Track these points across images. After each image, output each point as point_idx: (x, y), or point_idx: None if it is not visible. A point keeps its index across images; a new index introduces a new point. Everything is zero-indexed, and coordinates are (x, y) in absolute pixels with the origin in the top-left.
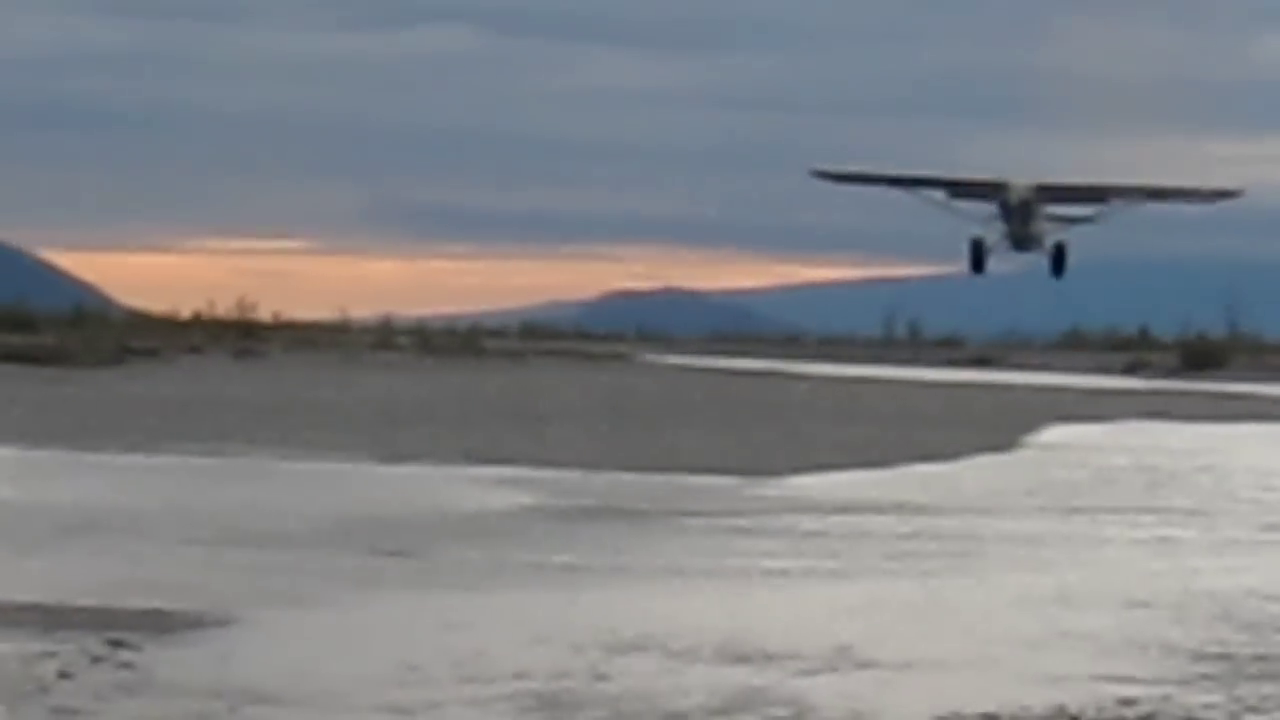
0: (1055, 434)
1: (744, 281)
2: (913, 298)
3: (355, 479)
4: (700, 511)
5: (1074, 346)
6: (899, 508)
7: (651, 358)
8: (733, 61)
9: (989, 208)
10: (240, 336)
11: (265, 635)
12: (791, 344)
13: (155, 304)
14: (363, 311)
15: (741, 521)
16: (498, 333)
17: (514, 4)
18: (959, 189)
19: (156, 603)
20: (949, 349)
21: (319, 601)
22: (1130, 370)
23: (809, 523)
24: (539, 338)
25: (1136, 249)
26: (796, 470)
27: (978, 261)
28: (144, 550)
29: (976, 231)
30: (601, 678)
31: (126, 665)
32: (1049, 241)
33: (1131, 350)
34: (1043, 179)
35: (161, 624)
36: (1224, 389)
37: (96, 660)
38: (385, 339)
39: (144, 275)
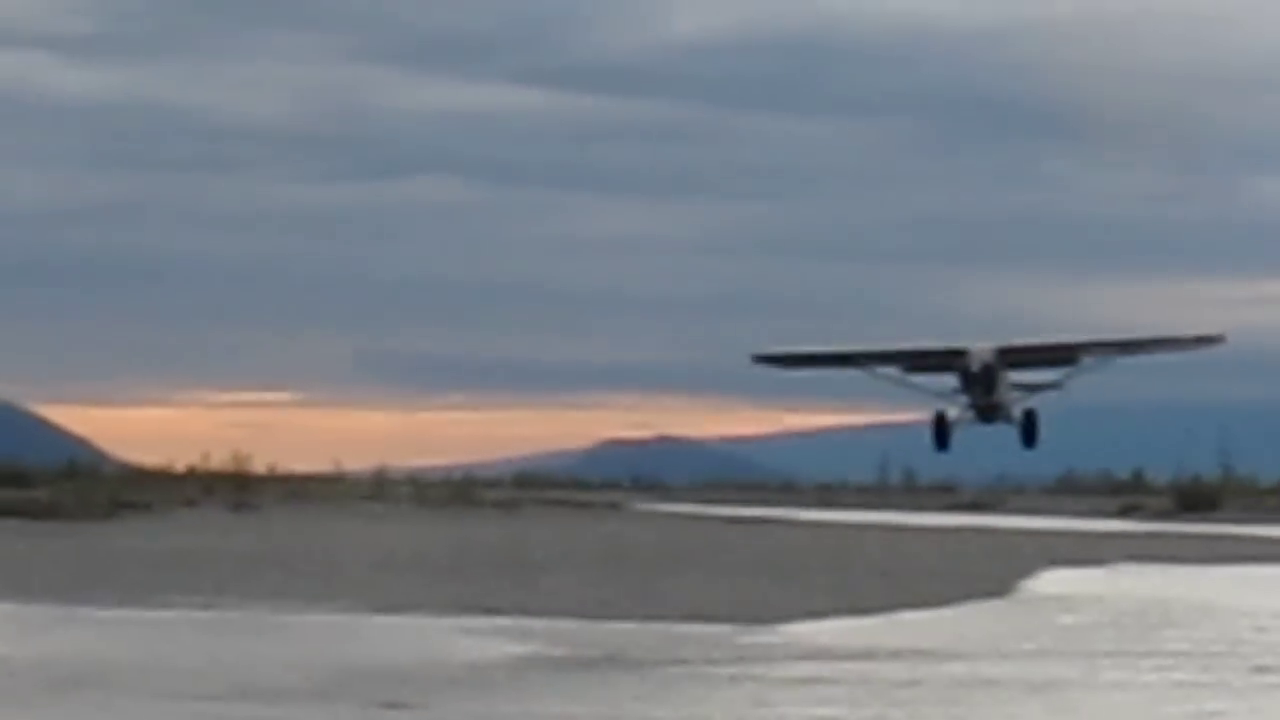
0: (1051, 578)
1: (738, 428)
2: (907, 443)
3: (350, 630)
4: (696, 660)
5: (1068, 491)
6: (896, 654)
7: (646, 506)
8: (724, 208)
9: (949, 380)
10: (235, 489)
11: None
12: (787, 490)
13: (148, 457)
14: (356, 463)
15: (736, 670)
16: (492, 483)
17: (505, 154)
18: (914, 361)
19: None
20: (944, 494)
21: None
22: (1124, 513)
23: (805, 669)
24: (533, 487)
25: (1129, 393)
26: (792, 617)
27: (941, 438)
28: (140, 706)
29: (939, 406)
30: None
31: None
32: (1016, 410)
33: (1125, 494)
34: (1006, 341)
35: None
36: (1218, 531)
37: None
38: (379, 490)
39: (137, 429)
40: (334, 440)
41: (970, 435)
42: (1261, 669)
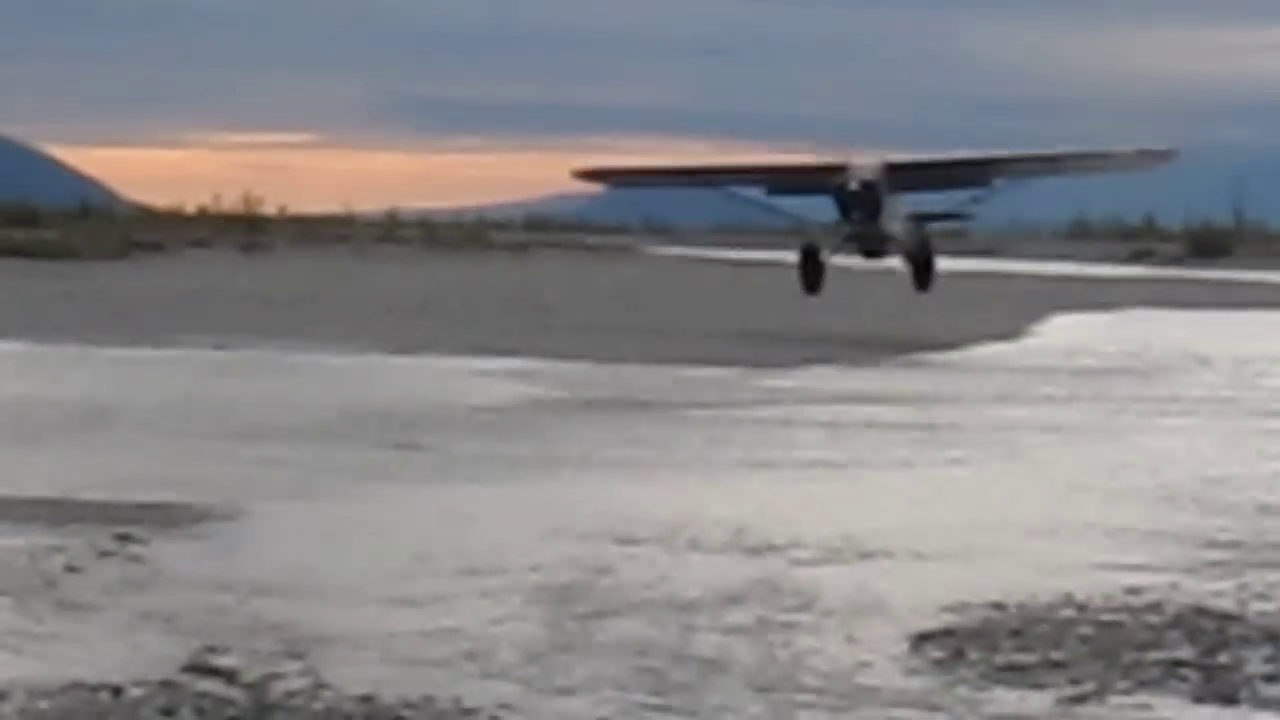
0: (1062, 323)
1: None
2: None
3: (362, 371)
4: (707, 403)
5: (1080, 236)
6: (906, 398)
7: (657, 249)
8: None
9: (823, 203)
10: (246, 231)
11: (273, 528)
12: (799, 233)
13: (159, 199)
14: (367, 206)
15: (748, 413)
16: (503, 226)
17: None
18: (779, 179)
19: (164, 496)
20: (955, 239)
21: (327, 495)
22: (1136, 259)
23: (816, 413)
24: (544, 230)
25: (1143, 139)
26: (804, 361)
27: (810, 277)
28: (151, 444)
29: (810, 237)
30: (608, 569)
31: (134, 559)
32: (909, 242)
33: (1137, 239)
34: (892, 156)
35: (169, 518)
36: (1230, 277)
37: (104, 554)
38: (390, 232)
39: (148, 170)
40: (345, 182)
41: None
42: (1277, 414)
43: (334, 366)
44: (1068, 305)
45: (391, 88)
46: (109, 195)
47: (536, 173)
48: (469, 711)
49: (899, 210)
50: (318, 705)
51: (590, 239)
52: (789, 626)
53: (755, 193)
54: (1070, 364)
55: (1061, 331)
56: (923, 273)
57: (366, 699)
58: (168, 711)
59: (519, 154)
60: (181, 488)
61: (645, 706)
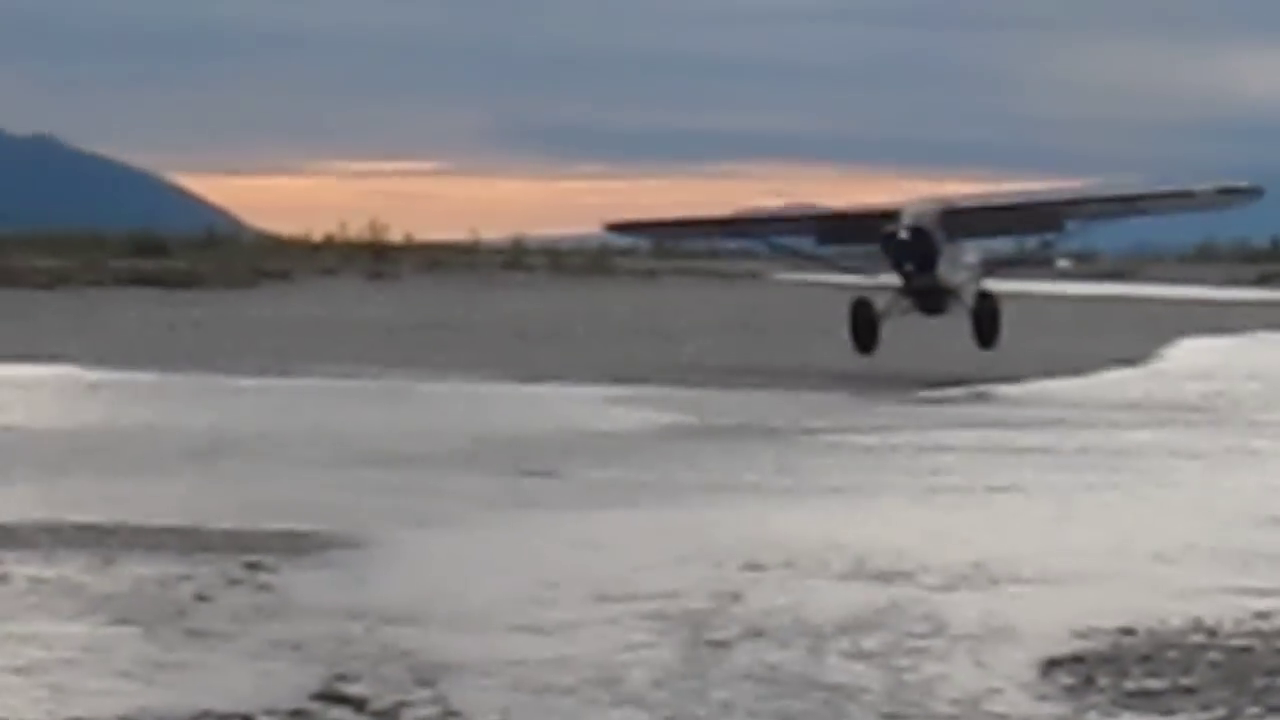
0: (1189, 346)
1: (877, 198)
2: None
3: (490, 399)
4: (834, 429)
5: (1207, 259)
6: (1033, 422)
7: (785, 275)
8: None
9: (874, 253)
10: (372, 258)
11: (402, 556)
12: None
13: (286, 227)
14: (493, 233)
15: (876, 438)
16: (629, 252)
17: None
18: (827, 229)
19: (293, 525)
20: (1083, 264)
21: (456, 522)
22: (1262, 282)
23: (944, 438)
24: (671, 256)
25: (1269, 158)
26: (929, 385)
27: (862, 337)
28: (280, 473)
29: (862, 291)
30: (739, 596)
31: (264, 587)
32: (968, 293)
33: (1263, 262)
34: (954, 198)
35: (298, 546)
36: None
37: (233, 583)
38: (516, 259)
39: (274, 198)
40: (471, 209)
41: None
42: None
43: (461, 394)
44: (1195, 329)
45: (518, 115)
46: (235, 224)
47: (663, 199)
48: None
49: (961, 259)
50: None
51: (718, 265)
52: (918, 652)
53: (805, 243)
54: (1199, 388)
55: (1189, 355)
56: (987, 328)
57: None
58: None
59: (645, 180)
60: (311, 516)
61: None
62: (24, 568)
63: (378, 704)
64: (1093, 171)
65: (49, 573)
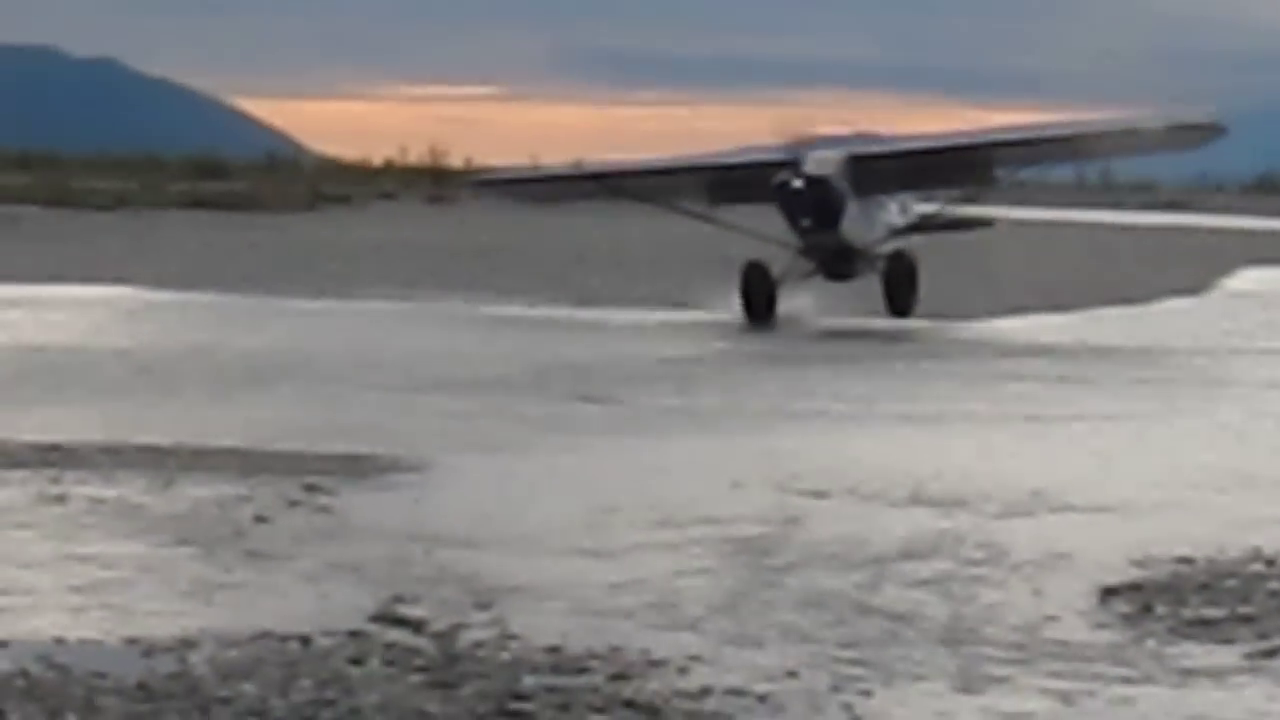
0: (1250, 276)
1: (934, 125)
2: None
3: (549, 324)
4: (894, 355)
5: (1266, 191)
6: (1093, 351)
7: None
8: None
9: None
10: (432, 183)
11: (460, 480)
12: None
13: (346, 151)
14: (552, 158)
15: (935, 364)
16: None
17: None
18: (717, 184)
19: (352, 447)
20: (1142, 193)
21: (515, 446)
22: None
23: (1003, 365)
24: None
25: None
26: (990, 313)
27: (754, 305)
28: (338, 396)
29: (754, 255)
30: (796, 521)
31: (322, 509)
32: (880, 252)
33: None
34: (860, 146)
35: (357, 468)
36: None
37: (292, 504)
38: None
39: (334, 122)
40: (531, 135)
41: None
42: None
43: (519, 319)
44: (1256, 259)
45: (578, 40)
46: (296, 147)
47: (723, 125)
48: (657, 663)
49: (874, 215)
50: (505, 656)
51: None
52: (976, 580)
53: (692, 200)
54: (1260, 317)
55: (1251, 285)
56: (900, 293)
57: (554, 650)
58: (356, 661)
59: (705, 107)
60: (369, 438)
61: (834, 659)
62: (83, 488)
63: (436, 626)
64: (1158, 102)
65: (108, 493)
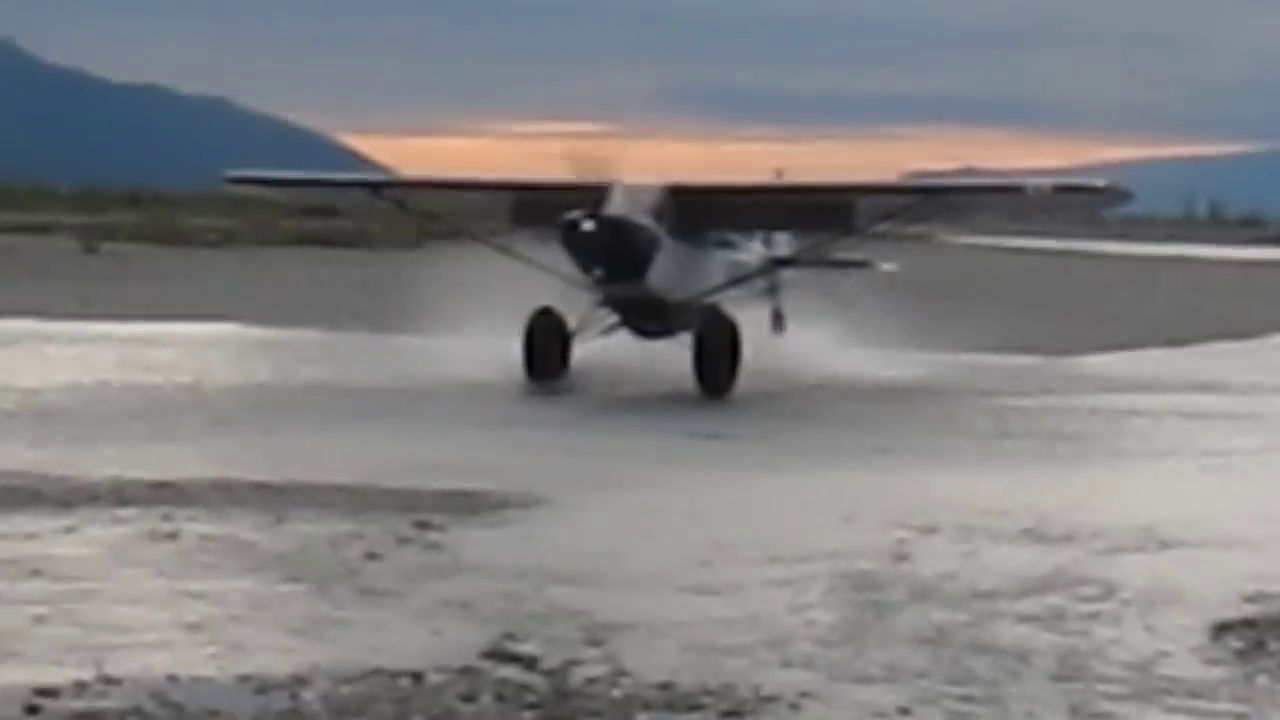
0: None
1: (1042, 161)
2: (1213, 176)
3: (657, 356)
4: (1004, 391)
5: None
6: (1203, 386)
7: (951, 237)
8: None
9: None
10: None
11: (571, 516)
12: (1089, 222)
13: None
14: None
15: (1046, 400)
16: None
17: None
18: (522, 206)
19: (462, 484)
20: (1250, 228)
21: (625, 482)
22: None
23: (1117, 401)
24: None
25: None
26: (1100, 349)
27: (536, 359)
28: (448, 432)
29: (550, 297)
30: (907, 558)
31: (433, 546)
32: (690, 310)
33: None
34: (686, 180)
35: (467, 505)
36: None
37: (403, 541)
38: None
39: (442, 159)
40: (639, 171)
41: (1278, 169)
42: None
43: (628, 351)
44: None
45: (686, 77)
46: None
47: (828, 161)
48: (768, 699)
49: (702, 262)
50: (617, 692)
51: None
52: (1088, 616)
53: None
54: None
55: None
56: (713, 361)
57: (665, 686)
58: (468, 698)
59: (814, 143)
60: (479, 475)
61: (945, 696)
62: (195, 525)
63: (547, 662)
64: (1266, 137)
65: (220, 530)
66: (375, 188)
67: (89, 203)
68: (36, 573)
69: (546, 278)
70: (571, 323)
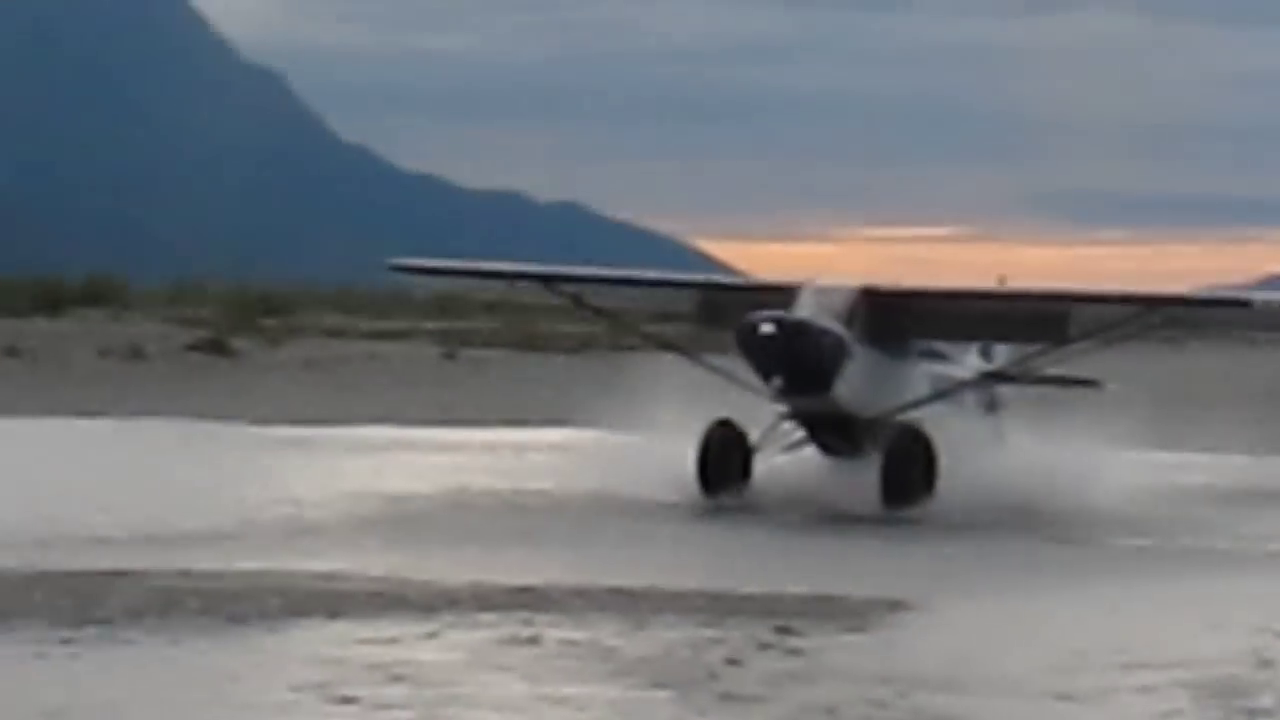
0: None
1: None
2: None
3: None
4: None
5: None
6: None
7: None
8: None
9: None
10: None
11: (933, 621)
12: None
13: None
14: None
15: None
16: None
17: None
18: (712, 304)
19: (823, 589)
20: None
21: (988, 588)
22: None
23: None
24: (1197, 323)
25: None
26: None
27: (712, 473)
28: (807, 538)
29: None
30: (1272, 664)
31: (794, 652)
32: (883, 428)
33: None
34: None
35: (828, 610)
36: None
37: (764, 647)
38: None
39: (796, 264)
40: (992, 275)
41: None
42: None
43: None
44: None
45: (1042, 180)
46: None
47: (1191, 264)
48: None
49: (890, 373)
50: None
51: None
52: None
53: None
54: None
55: None
56: (899, 480)
57: None
58: None
59: (1169, 246)
60: (840, 581)
61: None
62: (556, 630)
63: None
64: None
65: (580, 635)
66: (548, 280)
67: (447, 308)
68: (399, 678)
69: (733, 387)
70: (753, 436)
